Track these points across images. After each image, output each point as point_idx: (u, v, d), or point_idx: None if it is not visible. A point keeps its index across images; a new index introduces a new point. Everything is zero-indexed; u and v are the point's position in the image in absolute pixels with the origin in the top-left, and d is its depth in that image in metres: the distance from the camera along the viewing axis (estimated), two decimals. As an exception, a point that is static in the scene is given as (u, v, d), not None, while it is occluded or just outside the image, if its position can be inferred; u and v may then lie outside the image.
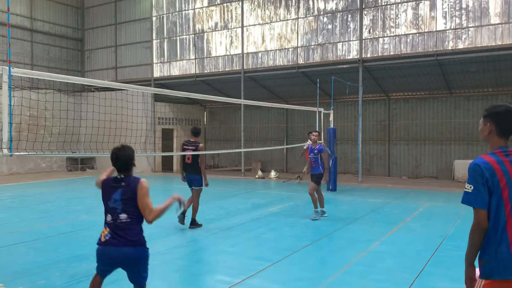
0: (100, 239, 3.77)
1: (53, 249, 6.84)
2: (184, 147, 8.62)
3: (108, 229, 3.73)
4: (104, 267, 3.94)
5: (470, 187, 2.52)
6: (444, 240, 7.28)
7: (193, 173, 8.39)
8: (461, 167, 16.60)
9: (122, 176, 3.71)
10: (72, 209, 10.76)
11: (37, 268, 5.81)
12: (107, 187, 3.73)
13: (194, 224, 8.35)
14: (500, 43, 13.98)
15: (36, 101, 17.72)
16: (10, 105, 5.38)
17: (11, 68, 5.28)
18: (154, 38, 21.55)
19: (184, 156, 8.49)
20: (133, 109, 17.33)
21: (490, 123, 2.64)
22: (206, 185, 8.30)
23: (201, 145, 8.59)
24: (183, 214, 8.18)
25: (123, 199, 3.67)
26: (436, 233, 7.81)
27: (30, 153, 6.93)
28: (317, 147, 9.28)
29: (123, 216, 3.68)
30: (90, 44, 23.95)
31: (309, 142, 9.79)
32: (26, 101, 17.58)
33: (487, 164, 2.52)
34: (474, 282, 2.56)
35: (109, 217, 3.76)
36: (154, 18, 21.55)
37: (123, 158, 3.70)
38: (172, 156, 22.09)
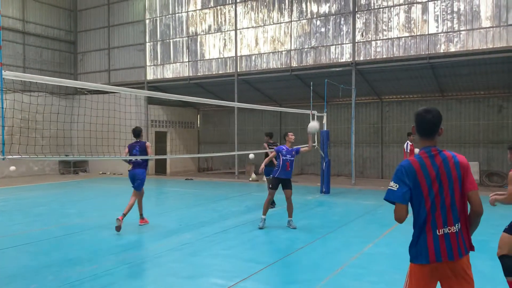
0: None
1: (46, 253, 6.79)
2: None
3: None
4: None
5: (396, 186, 2.89)
6: (437, 242, 7.31)
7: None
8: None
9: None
10: (65, 212, 10.69)
11: (29, 272, 5.77)
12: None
13: None
14: (491, 46, 14.11)
15: (28, 104, 17.55)
16: (2, 108, 5.34)
17: (2, 71, 5.25)
18: (147, 40, 21.51)
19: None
20: (126, 112, 17.28)
21: (414, 124, 3.03)
22: None
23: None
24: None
25: None
26: (429, 235, 7.84)
27: (22, 156, 6.88)
28: (294, 148, 8.71)
29: None
30: (83, 47, 23.86)
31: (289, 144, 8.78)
32: (18, 104, 17.47)
33: (410, 166, 2.85)
34: None
35: None
36: (147, 21, 21.52)
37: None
38: (165, 159, 22.04)
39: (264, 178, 18.32)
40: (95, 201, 12.73)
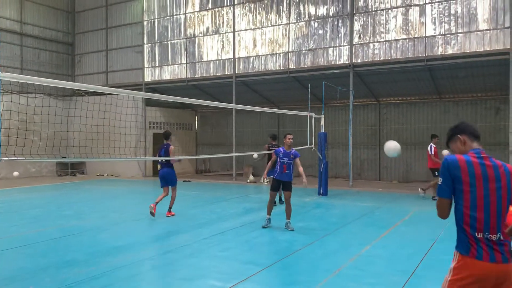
0: None
1: (43, 255, 6.77)
2: None
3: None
4: None
5: (440, 180, 2.88)
6: (435, 244, 7.33)
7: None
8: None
9: None
10: (62, 214, 10.66)
11: (26, 274, 5.75)
12: None
13: None
14: (488, 48, 14.16)
15: (26, 106, 17.57)
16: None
17: (0, 72, 5.24)
18: (145, 42, 21.51)
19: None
20: (124, 113, 17.25)
21: (461, 135, 3.04)
22: None
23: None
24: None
25: None
26: (426, 236, 7.86)
27: (19, 158, 6.86)
28: (292, 151, 8.58)
29: None
30: (81, 48, 23.84)
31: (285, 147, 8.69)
32: (15, 105, 17.43)
33: (454, 161, 2.83)
34: None
35: None
36: (145, 23, 21.52)
37: None
38: (163, 160, 21.99)
39: (267, 179, 18.34)
40: (92, 202, 12.70)
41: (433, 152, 12.35)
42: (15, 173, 17.95)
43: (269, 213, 8.75)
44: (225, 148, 22.36)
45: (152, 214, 9.50)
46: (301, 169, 8.58)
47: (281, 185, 8.57)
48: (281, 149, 8.67)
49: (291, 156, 8.54)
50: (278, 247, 7.23)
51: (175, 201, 10.11)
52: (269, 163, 9.24)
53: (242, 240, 7.70)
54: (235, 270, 5.90)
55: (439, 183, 2.89)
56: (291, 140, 8.65)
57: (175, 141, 22.52)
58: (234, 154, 17.57)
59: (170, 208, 10.00)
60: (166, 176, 9.94)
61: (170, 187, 9.98)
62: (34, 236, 8.11)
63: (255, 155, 14.66)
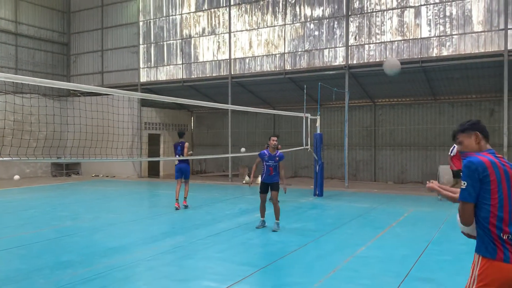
0: None
1: (37, 256, 6.74)
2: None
3: None
4: None
5: (464, 184, 2.74)
6: (429, 245, 7.36)
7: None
8: (446, 172, 16.76)
9: None
10: (57, 215, 10.62)
11: (20, 275, 5.73)
12: None
13: None
14: (482, 50, 14.25)
15: (21, 106, 17.50)
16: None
17: (-5, 72, 5.22)
18: (141, 43, 21.47)
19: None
20: (119, 114, 17.23)
21: (477, 133, 3.02)
22: None
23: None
24: None
25: None
26: (421, 237, 7.89)
27: (14, 158, 6.84)
28: (277, 153, 8.61)
29: None
30: (76, 49, 23.76)
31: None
32: (10, 105, 17.37)
33: (480, 162, 2.74)
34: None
35: None
36: (141, 23, 21.49)
37: None
38: (158, 161, 21.98)
39: (258, 181, 18.34)
40: (87, 203, 12.66)
41: (455, 154, 12.20)
42: (16, 177, 17.89)
43: (262, 215, 8.82)
44: (221, 149, 22.35)
45: (177, 209, 11.17)
46: (282, 173, 8.71)
47: (269, 186, 8.67)
48: (266, 152, 8.70)
49: (276, 158, 8.59)
50: (273, 249, 7.24)
51: (169, 200, 10.17)
52: (252, 169, 9.22)
53: (237, 242, 7.70)
54: (230, 271, 5.90)
55: (463, 186, 2.74)
56: (275, 142, 8.61)
57: (170, 142, 22.52)
58: (229, 155, 17.57)
59: (185, 197, 11.53)
60: (183, 170, 11.45)
61: (183, 179, 11.48)
62: (29, 237, 8.08)
63: (243, 149, 14.83)
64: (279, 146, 12.71)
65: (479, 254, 2.73)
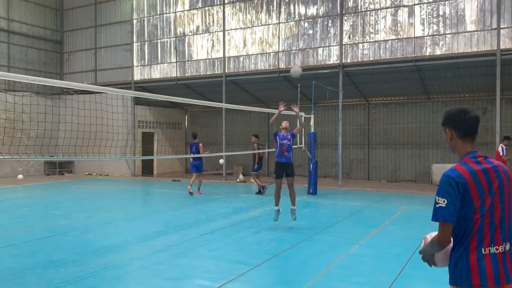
0: None
1: (30, 255, 6.70)
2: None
3: None
4: None
5: (444, 201, 2.41)
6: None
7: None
8: (439, 171, 16.91)
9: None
10: (50, 214, 10.56)
11: (12, 275, 5.68)
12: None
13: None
14: (475, 49, 14.33)
15: (13, 104, 17.37)
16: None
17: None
18: (134, 41, 21.38)
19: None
20: (113, 112, 17.15)
21: (449, 128, 2.60)
22: None
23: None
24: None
25: None
26: (414, 235, 7.92)
27: (6, 157, 6.78)
28: (289, 133, 8.81)
29: None
30: (69, 47, 23.62)
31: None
32: (2, 103, 17.23)
33: (461, 177, 2.42)
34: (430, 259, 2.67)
35: None
36: (135, 21, 21.39)
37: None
38: (152, 160, 21.91)
39: (252, 179, 18.35)
40: (80, 202, 12.59)
41: (504, 153, 12.08)
42: (20, 176, 17.80)
43: (277, 203, 8.61)
44: (215, 147, 22.32)
45: (191, 193, 13.21)
46: (300, 126, 9.03)
47: (284, 171, 8.62)
48: (279, 133, 8.84)
49: (289, 137, 8.80)
50: (267, 247, 7.24)
51: (169, 198, 10.12)
52: (273, 118, 8.93)
53: (231, 240, 7.70)
54: (223, 270, 5.89)
55: (443, 204, 2.42)
56: (285, 124, 8.98)
57: (164, 140, 22.47)
58: (224, 154, 17.54)
59: (199, 188, 13.76)
60: (198, 166, 13.73)
61: (198, 173, 13.72)
62: (21, 236, 8.03)
63: (221, 161, 15.31)
64: (255, 143, 13.92)
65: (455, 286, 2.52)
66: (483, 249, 2.41)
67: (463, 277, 2.43)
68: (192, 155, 13.37)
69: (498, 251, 2.42)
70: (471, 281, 2.40)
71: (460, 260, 2.44)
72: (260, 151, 13.82)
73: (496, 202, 2.44)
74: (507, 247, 2.45)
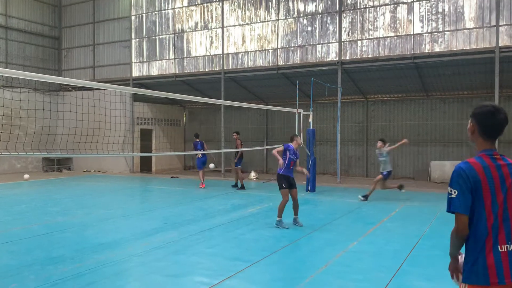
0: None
1: (27, 252, 6.69)
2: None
3: None
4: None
5: (455, 192, 2.46)
6: (420, 240, 7.41)
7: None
8: (437, 168, 16.93)
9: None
10: (48, 210, 10.55)
11: (10, 271, 5.68)
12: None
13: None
14: (474, 47, 14.32)
15: (11, 100, 17.32)
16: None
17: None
18: (133, 37, 21.31)
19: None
20: (111, 109, 17.11)
21: (474, 123, 2.60)
22: None
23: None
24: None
25: None
26: (412, 233, 7.94)
27: (3, 153, 6.76)
28: (297, 153, 8.92)
29: None
30: (68, 43, 23.54)
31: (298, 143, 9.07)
32: (0, 100, 17.16)
33: (472, 169, 2.46)
34: (458, 271, 2.62)
35: None
36: (133, 17, 21.31)
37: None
38: (150, 156, 21.89)
39: (252, 176, 18.32)
40: (79, 199, 12.58)
41: None
42: (26, 176, 17.78)
43: (280, 215, 8.45)
44: (213, 144, 22.29)
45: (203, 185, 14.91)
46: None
47: (290, 183, 8.60)
48: (292, 147, 8.81)
49: (298, 153, 8.93)
50: (265, 244, 7.24)
51: (168, 195, 10.05)
52: (276, 153, 8.88)
53: (229, 237, 7.70)
54: (222, 267, 5.90)
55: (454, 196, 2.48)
56: (300, 141, 9.22)
57: (163, 137, 22.45)
58: (222, 151, 17.53)
59: (203, 181, 15.16)
60: (205, 161, 15.31)
61: (204, 168, 15.26)
62: (19, 232, 8.01)
63: (212, 165, 16.04)
64: (238, 139, 14.64)
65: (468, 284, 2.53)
66: (499, 246, 2.42)
67: (479, 275, 2.43)
68: (200, 151, 14.58)
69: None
70: (488, 280, 2.40)
71: (477, 260, 2.45)
72: (243, 149, 14.69)
73: (509, 199, 2.45)
74: None
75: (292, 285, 5.20)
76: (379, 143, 12.13)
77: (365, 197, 11.89)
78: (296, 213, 8.67)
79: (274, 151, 8.91)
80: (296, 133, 9.37)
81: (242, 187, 14.47)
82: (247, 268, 5.84)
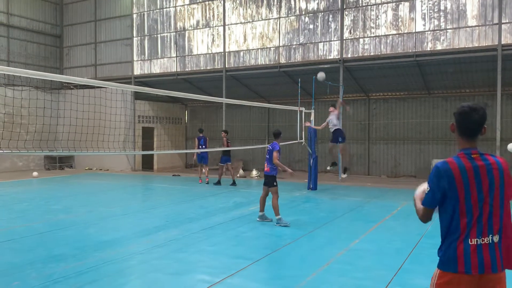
0: None
1: (29, 250, 6.70)
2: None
3: None
4: None
5: (427, 189, 2.70)
6: (422, 238, 7.39)
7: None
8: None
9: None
10: (50, 208, 10.56)
11: (12, 269, 5.69)
12: None
13: None
14: (476, 45, 14.27)
15: (12, 98, 17.34)
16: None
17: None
18: (134, 35, 21.30)
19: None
20: (113, 107, 17.12)
21: (454, 123, 2.77)
22: None
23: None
24: None
25: None
26: (414, 231, 7.92)
27: (5, 151, 6.77)
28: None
29: None
30: (69, 41, 23.54)
31: None
32: (1, 98, 17.20)
33: (448, 169, 2.60)
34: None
35: None
36: (134, 15, 21.30)
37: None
38: (152, 155, 21.90)
39: (253, 174, 18.31)
40: (80, 197, 12.60)
41: None
42: (35, 173, 17.82)
43: (278, 212, 8.53)
44: (215, 142, 22.29)
45: (207, 183, 15.29)
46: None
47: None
48: (278, 146, 8.97)
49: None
50: (267, 242, 7.24)
51: (163, 194, 10.04)
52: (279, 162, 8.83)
53: (231, 235, 7.70)
54: (223, 265, 5.90)
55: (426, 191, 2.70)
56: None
57: (164, 135, 22.46)
58: (223, 149, 17.51)
59: (207, 176, 15.58)
60: (205, 156, 15.55)
61: (205, 164, 15.60)
62: (21, 230, 8.03)
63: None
64: (224, 139, 15.12)
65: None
66: (469, 239, 2.56)
67: (450, 263, 2.60)
68: (200, 149, 14.93)
69: (484, 242, 2.56)
70: (457, 268, 2.57)
71: (449, 249, 2.62)
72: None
73: (485, 198, 2.57)
74: (496, 239, 2.58)
75: (294, 283, 5.20)
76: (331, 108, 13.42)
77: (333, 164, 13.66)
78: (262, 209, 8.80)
79: (277, 161, 8.64)
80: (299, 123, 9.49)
81: (218, 183, 15.07)
82: (249, 266, 5.84)
